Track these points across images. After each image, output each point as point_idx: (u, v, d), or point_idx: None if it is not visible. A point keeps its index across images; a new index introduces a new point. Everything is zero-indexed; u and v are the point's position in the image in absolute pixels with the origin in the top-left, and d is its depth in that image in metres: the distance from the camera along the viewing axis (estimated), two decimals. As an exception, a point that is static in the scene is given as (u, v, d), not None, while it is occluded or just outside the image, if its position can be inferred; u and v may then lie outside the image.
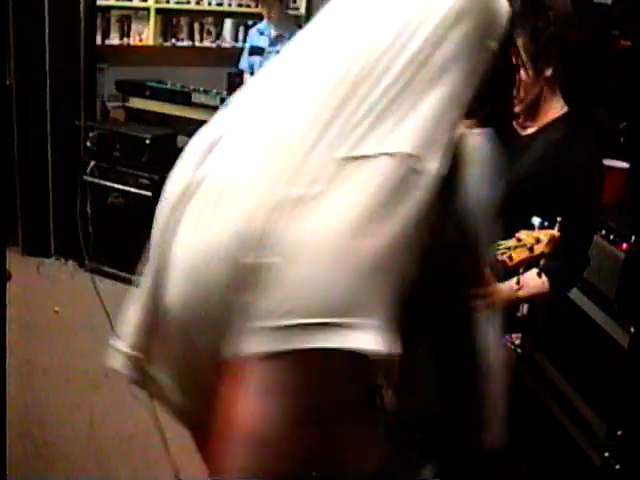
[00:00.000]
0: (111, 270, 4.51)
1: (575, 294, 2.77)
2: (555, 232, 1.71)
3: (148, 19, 5.77)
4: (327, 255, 0.80)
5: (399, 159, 0.80)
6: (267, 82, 1.03)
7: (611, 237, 2.61)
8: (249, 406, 0.87)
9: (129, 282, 5.07)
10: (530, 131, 2.23)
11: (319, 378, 0.83)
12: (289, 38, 5.30)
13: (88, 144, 4.47)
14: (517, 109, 2.16)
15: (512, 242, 1.73)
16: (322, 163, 0.78)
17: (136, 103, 5.09)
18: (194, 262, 0.88)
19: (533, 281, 2.06)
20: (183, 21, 5.94)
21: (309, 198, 0.76)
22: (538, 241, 1.69)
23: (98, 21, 5.37)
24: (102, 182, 4.45)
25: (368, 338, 0.81)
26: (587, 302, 2.71)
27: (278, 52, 4.82)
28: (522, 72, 2.08)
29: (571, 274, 2.18)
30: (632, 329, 2.45)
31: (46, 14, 4.35)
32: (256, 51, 5.28)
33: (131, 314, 1.00)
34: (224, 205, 0.87)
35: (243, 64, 5.38)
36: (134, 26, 5.76)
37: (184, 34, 5.97)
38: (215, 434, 0.95)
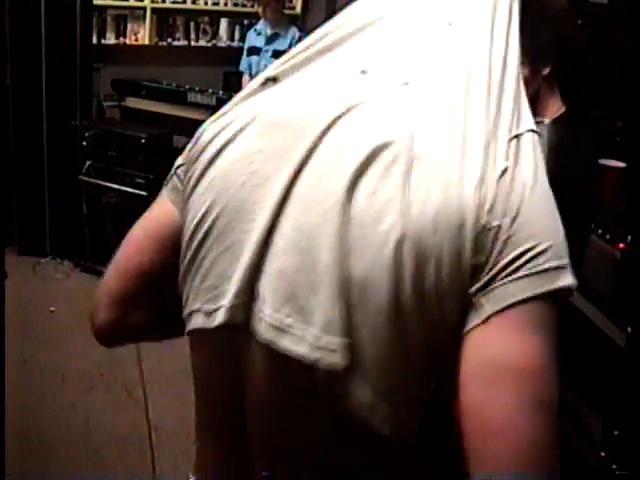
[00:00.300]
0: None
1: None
2: None
3: (144, 18, 5.77)
4: (548, 208, 0.97)
5: (532, 132, 1.00)
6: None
7: (607, 236, 2.61)
8: (521, 346, 0.90)
9: (125, 282, 4.98)
10: None
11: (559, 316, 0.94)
12: (284, 36, 5.33)
13: (84, 143, 4.47)
14: None
15: None
16: (503, 142, 0.94)
17: (132, 102, 5.09)
18: (416, 232, 0.90)
19: None
20: (179, 20, 5.95)
21: (510, 169, 0.92)
22: None
23: (94, 20, 5.36)
24: (98, 182, 4.45)
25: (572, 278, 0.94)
26: (583, 301, 2.71)
27: (274, 50, 4.86)
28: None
29: None
30: (629, 328, 2.46)
31: (42, 13, 4.34)
32: (254, 51, 5.28)
33: (320, 303, 0.90)
34: (431, 176, 0.92)
35: (242, 65, 5.39)
36: (130, 25, 5.77)
37: (180, 33, 5.98)
38: (456, 417, 0.93)
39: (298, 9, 6.25)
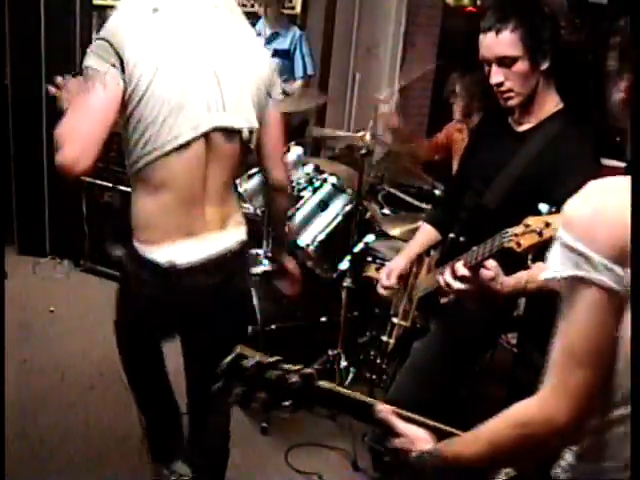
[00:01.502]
0: (106, 269, 4.52)
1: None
2: None
3: (144, 18, 5.76)
4: None
5: None
6: None
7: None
8: None
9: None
10: (525, 127, 2.23)
11: None
12: (285, 35, 5.33)
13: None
14: (513, 103, 2.16)
15: (519, 228, 1.72)
16: None
17: (132, 102, 5.09)
18: None
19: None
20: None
21: None
22: (547, 225, 1.68)
23: (94, 20, 5.36)
24: (97, 181, 4.44)
25: None
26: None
27: (275, 50, 4.84)
28: (519, 65, 2.08)
29: None
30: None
31: (42, 13, 4.33)
32: None
33: None
34: None
35: None
36: (130, 25, 5.75)
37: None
38: None
39: (298, 9, 6.24)
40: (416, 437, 1.33)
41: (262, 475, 3.03)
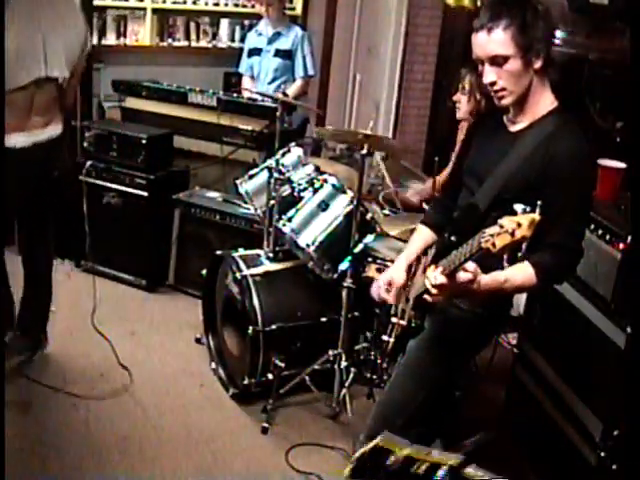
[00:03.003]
0: (107, 270, 4.51)
1: (571, 294, 2.77)
2: (535, 215, 1.71)
3: (144, 19, 5.77)
4: None
5: None
6: None
7: (607, 237, 2.62)
8: None
9: (124, 282, 5.11)
10: (520, 126, 2.21)
11: None
12: (287, 35, 5.34)
13: (84, 144, 4.47)
14: (506, 102, 2.16)
15: (495, 229, 1.74)
16: None
17: (132, 103, 5.08)
18: None
19: (521, 273, 2.06)
20: (179, 21, 5.94)
21: None
22: (519, 225, 1.69)
23: (94, 21, 5.37)
24: (98, 182, 4.44)
25: None
26: (583, 302, 2.72)
27: (277, 50, 4.86)
28: (511, 63, 2.08)
29: (560, 267, 2.14)
30: (628, 329, 2.46)
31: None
32: (254, 52, 5.28)
33: None
34: None
35: (242, 67, 5.37)
36: (130, 26, 5.76)
37: (180, 34, 5.97)
38: None
39: (299, 10, 6.25)
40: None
41: (262, 475, 3.03)
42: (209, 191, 4.60)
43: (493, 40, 2.06)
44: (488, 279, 2.01)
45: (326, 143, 5.35)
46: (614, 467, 2.52)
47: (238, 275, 3.37)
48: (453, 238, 2.18)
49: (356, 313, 3.41)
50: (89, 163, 4.43)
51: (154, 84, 5.08)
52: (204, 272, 3.70)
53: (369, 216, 3.37)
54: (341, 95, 6.37)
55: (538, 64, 2.11)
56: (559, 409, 2.82)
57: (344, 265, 3.26)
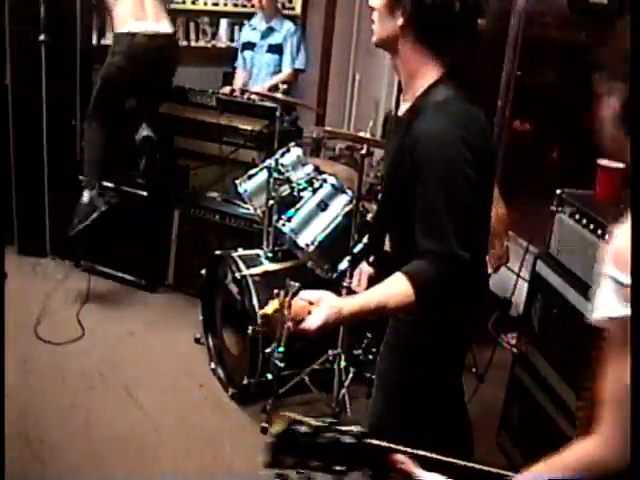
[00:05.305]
0: (107, 270, 4.51)
1: (571, 294, 2.78)
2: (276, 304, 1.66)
3: (144, 19, 5.77)
4: None
5: None
6: None
7: (607, 237, 2.62)
8: None
9: (124, 282, 5.11)
10: (403, 109, 1.99)
11: None
12: (279, 30, 5.35)
13: (84, 144, 4.47)
14: (373, 39, 1.98)
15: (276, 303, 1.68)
16: None
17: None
18: None
19: (393, 289, 1.78)
20: (179, 21, 5.93)
21: None
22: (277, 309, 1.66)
23: (94, 21, 5.36)
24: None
25: None
26: (583, 302, 2.72)
27: (270, 45, 4.89)
28: (375, 14, 1.94)
29: (434, 276, 1.76)
30: (628, 329, 2.45)
31: (42, 13, 4.33)
32: (248, 46, 5.33)
33: None
34: None
35: (237, 61, 5.43)
36: (130, 26, 5.76)
37: (180, 34, 5.97)
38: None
39: (298, 9, 6.24)
40: None
41: (262, 475, 3.02)
42: (209, 191, 4.61)
43: None
44: (356, 307, 1.77)
45: (325, 143, 5.34)
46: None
47: (237, 275, 3.37)
48: (371, 259, 2.21)
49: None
50: (89, 163, 4.43)
51: (153, 84, 5.08)
52: (203, 272, 3.70)
53: (369, 216, 3.37)
54: (340, 95, 6.36)
55: (400, 21, 1.89)
56: (558, 408, 2.82)
57: (343, 265, 3.26)
